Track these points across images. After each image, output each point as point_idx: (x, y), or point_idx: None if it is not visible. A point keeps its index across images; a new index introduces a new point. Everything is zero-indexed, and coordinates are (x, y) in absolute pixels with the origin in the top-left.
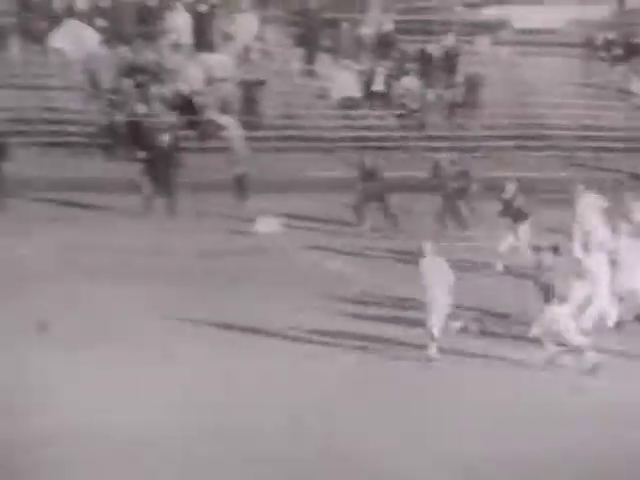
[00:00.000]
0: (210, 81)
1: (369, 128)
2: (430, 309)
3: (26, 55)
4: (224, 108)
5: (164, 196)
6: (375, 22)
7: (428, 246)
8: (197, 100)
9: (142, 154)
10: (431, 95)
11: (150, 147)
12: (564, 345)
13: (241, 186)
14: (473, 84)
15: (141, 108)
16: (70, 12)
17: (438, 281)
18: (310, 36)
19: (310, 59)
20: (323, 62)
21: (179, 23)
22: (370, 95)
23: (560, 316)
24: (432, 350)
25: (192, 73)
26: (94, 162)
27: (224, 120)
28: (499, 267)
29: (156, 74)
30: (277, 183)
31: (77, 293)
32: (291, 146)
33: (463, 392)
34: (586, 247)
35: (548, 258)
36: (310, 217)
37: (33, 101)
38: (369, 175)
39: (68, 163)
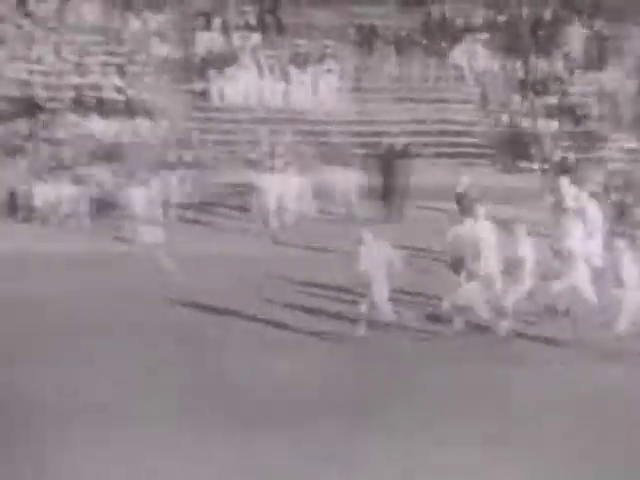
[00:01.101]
0: (600, 95)
1: None
2: (369, 292)
3: (425, 70)
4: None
5: None
6: None
7: (368, 235)
8: (578, 111)
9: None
10: None
11: (542, 159)
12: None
13: None
14: None
15: (526, 121)
16: (468, 28)
17: (377, 266)
18: None
19: None
20: None
21: (573, 37)
22: None
23: (469, 292)
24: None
25: (580, 88)
26: (481, 172)
27: (605, 131)
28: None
29: (545, 86)
30: None
31: None
32: None
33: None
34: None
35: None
36: None
37: (430, 113)
38: None
39: (458, 172)
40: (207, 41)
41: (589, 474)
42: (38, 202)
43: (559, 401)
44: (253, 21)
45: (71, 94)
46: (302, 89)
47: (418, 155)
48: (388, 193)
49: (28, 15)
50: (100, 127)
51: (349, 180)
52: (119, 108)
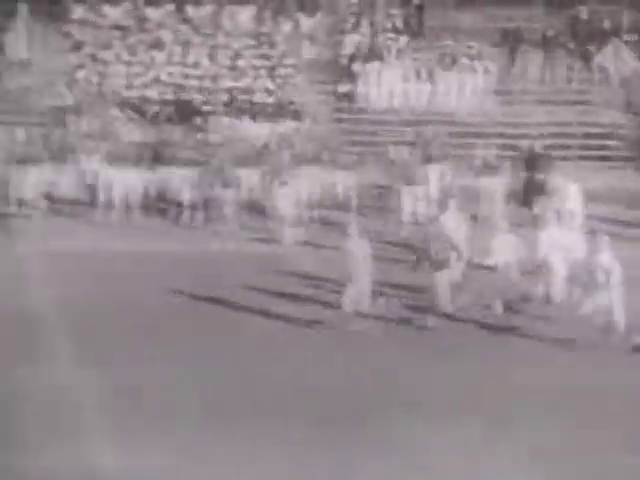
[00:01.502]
0: None
1: None
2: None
3: (570, 72)
4: None
5: None
6: None
7: (353, 227)
8: None
9: None
10: None
11: None
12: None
13: None
14: None
15: None
16: (614, 30)
17: (361, 259)
18: None
19: None
20: None
21: None
22: None
23: (438, 283)
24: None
25: None
26: (624, 175)
27: None
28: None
29: None
30: None
31: None
32: None
33: None
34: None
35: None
36: None
37: (574, 116)
38: None
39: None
40: (355, 43)
41: None
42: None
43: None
44: (400, 24)
45: (225, 97)
46: (447, 91)
47: (562, 158)
48: (530, 196)
49: (186, 21)
50: (252, 129)
51: (495, 184)
52: (269, 111)
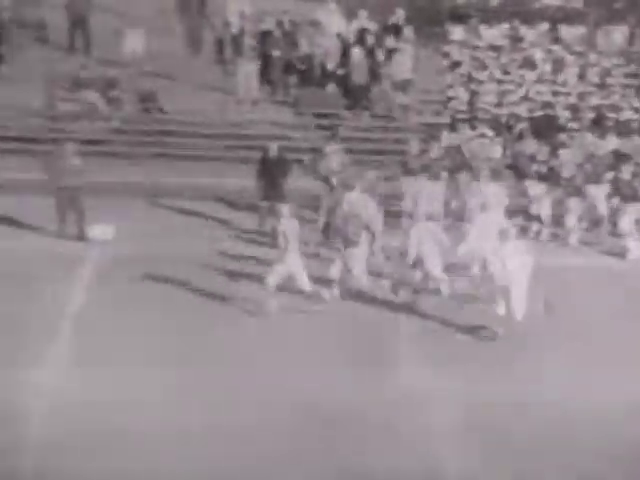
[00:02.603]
0: None
1: None
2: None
3: None
4: None
5: None
6: None
7: (285, 209)
8: None
9: None
10: None
11: None
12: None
13: None
14: None
15: None
16: None
17: (294, 241)
18: None
19: None
20: None
21: None
22: None
23: (351, 258)
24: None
25: None
26: None
27: None
28: None
29: None
30: None
31: None
32: None
33: None
34: None
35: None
36: None
37: None
38: None
39: None
40: None
41: None
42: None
43: None
44: None
45: (591, 115)
46: None
47: None
48: None
49: (558, 40)
50: (607, 145)
51: None
52: (633, 127)
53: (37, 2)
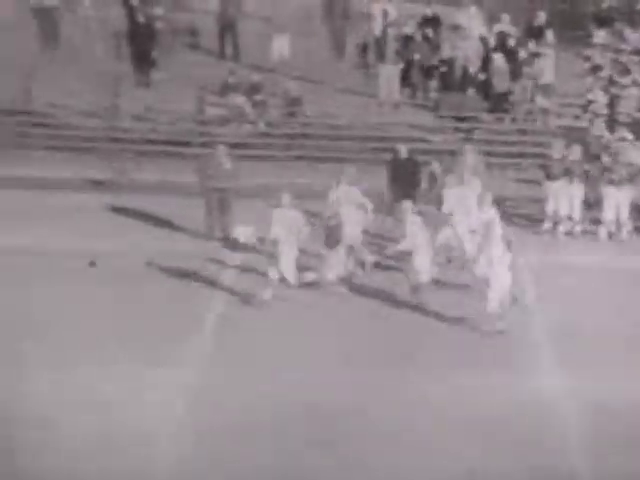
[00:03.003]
0: None
1: None
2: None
3: None
4: None
5: None
6: None
7: (286, 197)
8: None
9: None
10: None
11: None
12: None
13: None
14: None
15: None
16: None
17: (288, 230)
18: None
19: None
20: None
21: None
22: None
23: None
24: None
25: None
26: None
27: None
28: None
29: None
30: None
31: None
32: None
33: None
34: None
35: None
36: None
37: None
38: None
39: None
40: None
41: None
42: None
43: None
44: None
45: None
46: None
47: None
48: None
49: None
50: None
51: None
52: None
53: (189, 9)
